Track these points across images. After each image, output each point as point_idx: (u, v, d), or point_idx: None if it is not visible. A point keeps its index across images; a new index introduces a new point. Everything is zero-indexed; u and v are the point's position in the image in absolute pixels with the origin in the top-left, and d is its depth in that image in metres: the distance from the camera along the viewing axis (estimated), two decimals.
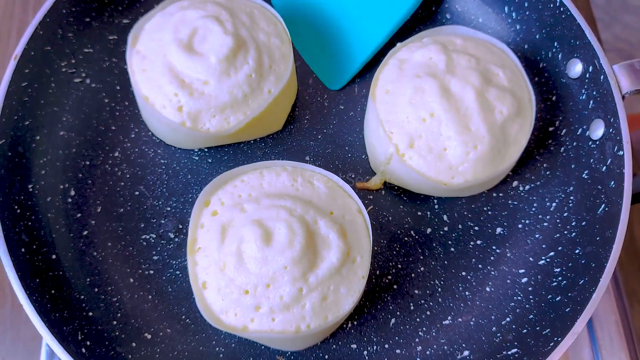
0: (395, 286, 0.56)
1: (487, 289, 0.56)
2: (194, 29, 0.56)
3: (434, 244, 0.57)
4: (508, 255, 0.57)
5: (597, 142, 0.55)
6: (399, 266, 0.56)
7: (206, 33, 0.56)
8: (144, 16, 0.59)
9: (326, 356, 0.53)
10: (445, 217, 0.58)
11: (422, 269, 0.56)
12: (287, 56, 0.59)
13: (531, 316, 0.53)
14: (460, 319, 0.55)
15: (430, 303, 0.55)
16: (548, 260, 0.55)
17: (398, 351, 0.53)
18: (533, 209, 0.59)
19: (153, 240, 0.57)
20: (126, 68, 0.63)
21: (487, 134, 0.53)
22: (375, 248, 0.57)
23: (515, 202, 0.59)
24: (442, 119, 0.54)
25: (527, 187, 0.59)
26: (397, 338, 0.54)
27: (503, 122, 0.54)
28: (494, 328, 0.54)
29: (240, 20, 0.57)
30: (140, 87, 0.56)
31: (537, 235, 0.57)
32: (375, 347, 0.54)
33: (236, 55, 0.55)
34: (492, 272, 0.56)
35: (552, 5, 0.59)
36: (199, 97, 0.55)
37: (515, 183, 0.60)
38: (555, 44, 0.60)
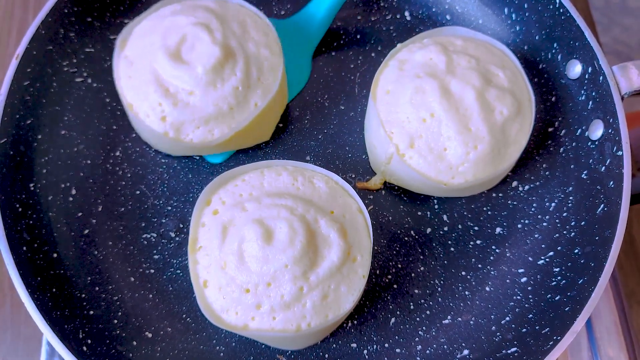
0: (395, 285, 0.56)
1: (487, 289, 0.56)
2: (183, 36, 0.55)
3: (434, 244, 0.58)
4: (507, 255, 0.57)
5: (597, 143, 0.56)
6: (399, 266, 0.57)
7: (195, 41, 0.54)
8: (134, 20, 0.59)
9: (326, 355, 0.53)
10: (445, 217, 0.59)
11: (422, 268, 0.57)
12: (276, 68, 0.57)
13: (530, 315, 0.53)
14: (460, 319, 0.55)
15: (430, 302, 0.55)
16: (547, 260, 0.56)
17: (398, 350, 0.54)
18: (532, 209, 0.59)
19: (154, 240, 0.57)
20: None
21: (487, 134, 0.53)
22: (376, 247, 0.57)
23: (514, 202, 0.59)
24: (442, 119, 0.54)
25: (527, 187, 0.60)
26: (397, 337, 0.54)
27: (503, 122, 0.54)
28: (493, 327, 0.54)
29: (230, 30, 0.56)
30: (125, 93, 0.55)
31: (536, 235, 0.58)
32: (375, 346, 0.54)
33: (224, 66, 0.54)
34: (492, 272, 0.57)
35: (551, 7, 0.59)
36: (183, 108, 0.54)
37: (514, 183, 0.60)
38: (555, 45, 0.60)
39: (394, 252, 0.57)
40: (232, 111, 0.55)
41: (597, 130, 0.56)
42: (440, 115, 0.54)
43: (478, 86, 0.54)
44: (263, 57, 0.57)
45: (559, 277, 0.54)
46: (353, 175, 0.60)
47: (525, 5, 0.62)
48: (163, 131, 0.54)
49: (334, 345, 0.54)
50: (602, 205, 0.53)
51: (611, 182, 0.53)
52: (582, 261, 0.53)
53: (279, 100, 0.60)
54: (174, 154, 0.60)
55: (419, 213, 0.59)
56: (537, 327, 0.51)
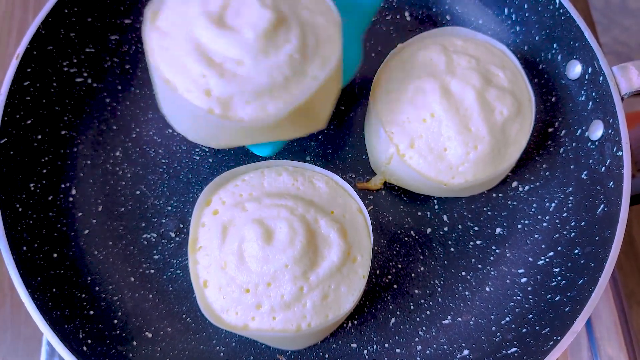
0: (395, 286, 0.56)
1: (487, 289, 0.56)
2: (226, 1, 0.47)
3: (434, 244, 0.58)
4: (507, 255, 0.57)
5: (596, 143, 0.56)
6: (399, 266, 0.57)
7: (240, 6, 0.46)
8: None
9: (326, 355, 0.53)
10: (445, 217, 0.59)
11: (422, 268, 0.57)
12: (334, 39, 0.48)
13: (530, 316, 0.53)
14: (460, 319, 0.55)
15: (430, 303, 0.55)
16: (547, 260, 0.56)
17: (398, 350, 0.54)
18: (532, 210, 0.59)
19: (154, 240, 0.57)
20: (128, 68, 0.64)
21: (488, 135, 0.54)
22: (376, 248, 0.57)
23: (514, 203, 0.59)
24: (442, 119, 0.54)
25: (527, 187, 0.60)
26: (397, 337, 0.54)
27: (503, 122, 0.54)
28: (493, 327, 0.54)
29: None
30: (161, 68, 0.46)
31: (536, 236, 0.58)
32: (375, 346, 0.54)
33: (277, 31, 0.46)
34: (492, 272, 0.57)
35: (551, 7, 0.59)
36: (231, 79, 0.45)
37: (514, 184, 0.60)
38: (555, 45, 0.60)
39: (394, 252, 0.57)
40: (288, 83, 0.46)
41: (597, 131, 0.56)
42: (441, 116, 0.54)
43: (478, 86, 0.54)
44: (319, 25, 0.49)
45: (559, 278, 0.54)
46: (353, 176, 0.60)
47: (525, 6, 0.62)
48: (207, 107, 0.45)
49: (334, 346, 0.54)
50: (602, 206, 0.53)
51: (611, 183, 0.53)
52: (582, 261, 0.53)
53: (337, 77, 0.52)
54: (215, 146, 0.51)
55: (419, 213, 0.59)
56: (537, 327, 0.51)
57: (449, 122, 0.54)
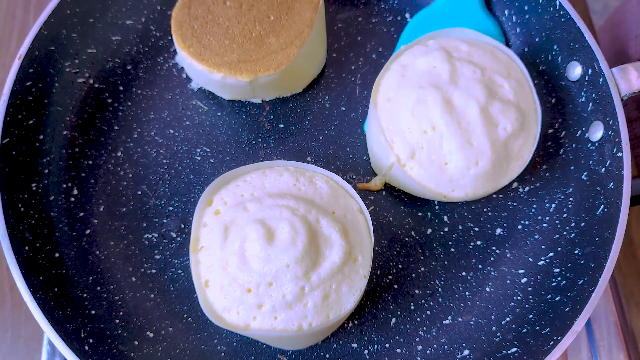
0: (395, 286, 0.56)
1: (487, 289, 0.56)
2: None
3: (434, 245, 0.58)
4: (508, 255, 0.57)
5: (596, 144, 0.56)
6: (400, 266, 0.57)
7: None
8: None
9: (327, 355, 0.53)
10: (445, 218, 0.59)
11: (422, 269, 0.57)
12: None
13: (531, 316, 0.53)
14: (460, 319, 0.55)
15: (431, 303, 0.56)
16: (547, 260, 0.56)
17: (399, 350, 0.54)
18: (532, 210, 0.59)
19: (155, 240, 0.57)
20: (129, 68, 0.64)
21: (489, 150, 0.53)
22: (376, 248, 0.57)
23: (515, 204, 0.60)
24: (443, 132, 0.53)
25: (527, 188, 0.60)
26: (397, 337, 0.54)
27: (506, 138, 0.54)
28: (494, 328, 0.54)
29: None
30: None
31: (536, 236, 0.58)
32: (375, 346, 0.54)
33: None
34: (492, 273, 0.57)
35: (551, 9, 0.59)
36: None
37: (514, 184, 0.60)
38: (555, 47, 0.61)
39: (395, 252, 0.57)
40: None
41: (597, 132, 0.56)
42: (442, 129, 0.53)
43: (482, 100, 0.53)
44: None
45: (559, 278, 0.54)
46: (354, 176, 0.60)
47: (526, 7, 0.62)
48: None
49: (335, 346, 0.54)
50: (602, 207, 0.53)
51: (611, 183, 0.53)
52: (582, 262, 0.53)
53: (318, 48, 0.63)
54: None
55: (420, 214, 0.59)
56: (537, 328, 0.52)
57: (451, 136, 0.53)
